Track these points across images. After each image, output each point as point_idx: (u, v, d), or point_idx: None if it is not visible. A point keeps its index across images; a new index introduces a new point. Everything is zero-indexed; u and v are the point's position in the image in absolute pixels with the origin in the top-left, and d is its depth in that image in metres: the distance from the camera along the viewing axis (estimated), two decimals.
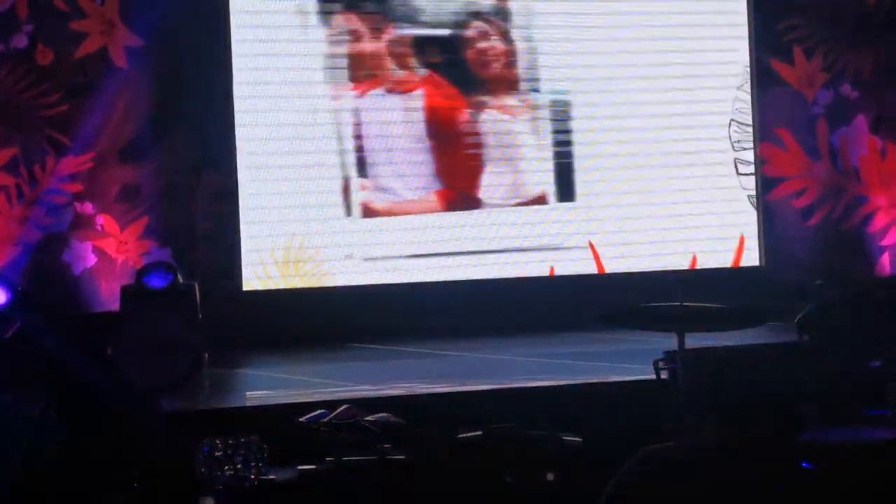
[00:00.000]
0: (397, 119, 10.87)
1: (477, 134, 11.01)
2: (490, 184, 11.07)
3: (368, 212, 10.90)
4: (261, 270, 10.66)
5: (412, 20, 10.93)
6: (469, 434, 6.58)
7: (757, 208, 11.72)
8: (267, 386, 8.95)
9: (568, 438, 6.67)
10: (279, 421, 7.06)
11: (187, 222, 10.63)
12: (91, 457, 6.54)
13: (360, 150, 10.84)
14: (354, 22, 10.89)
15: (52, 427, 6.76)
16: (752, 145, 11.73)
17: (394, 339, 10.37)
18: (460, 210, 10.99)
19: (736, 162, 11.71)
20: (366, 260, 10.89)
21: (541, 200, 11.18)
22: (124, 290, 9.76)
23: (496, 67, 11.03)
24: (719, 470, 4.51)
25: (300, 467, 6.57)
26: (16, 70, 10.35)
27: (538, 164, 11.17)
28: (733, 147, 11.72)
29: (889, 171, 11.92)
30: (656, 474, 4.59)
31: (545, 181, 11.20)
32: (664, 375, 6.76)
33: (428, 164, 10.91)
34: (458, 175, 10.99)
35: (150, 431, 6.75)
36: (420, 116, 10.87)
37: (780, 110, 11.81)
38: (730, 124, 11.69)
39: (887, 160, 11.93)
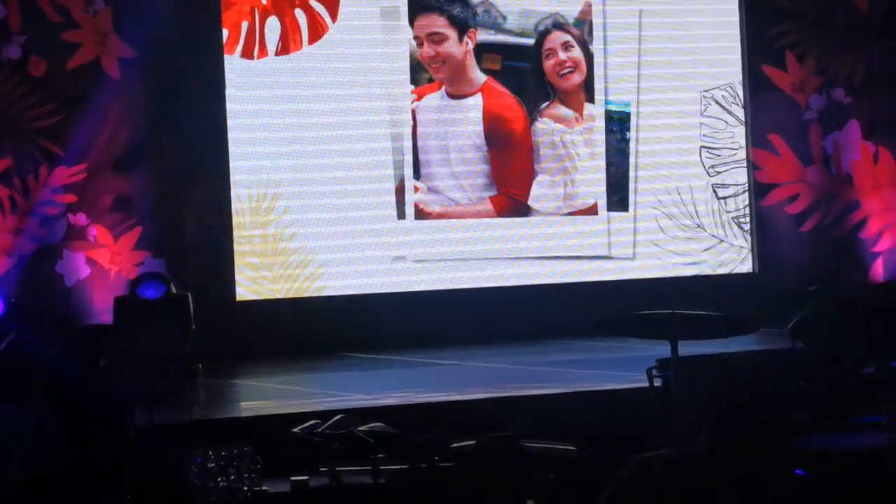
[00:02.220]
0: (455, 123, 11.00)
1: (534, 142, 11.10)
2: (542, 192, 11.16)
3: (421, 214, 10.97)
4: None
5: (492, 27, 11.05)
6: (463, 443, 6.58)
7: (750, 214, 11.72)
8: (261, 396, 8.95)
9: (562, 447, 6.68)
10: (273, 432, 7.06)
11: (180, 232, 10.63)
12: (83, 468, 6.54)
13: (415, 153, 10.92)
14: (424, 27, 10.96)
15: (46, 438, 6.75)
16: (727, 168, 11.73)
17: (387, 348, 10.36)
18: (512, 217, 11.10)
19: (713, 187, 11.70)
20: (417, 262, 10.97)
21: (592, 210, 11.26)
22: (118, 301, 9.75)
23: (569, 78, 11.14)
24: (713, 477, 4.51)
25: (294, 478, 6.58)
26: (9, 81, 10.34)
27: (591, 174, 11.27)
28: (708, 173, 11.68)
29: (882, 175, 11.92)
30: (651, 481, 4.59)
31: (597, 191, 11.30)
32: (658, 383, 6.78)
33: (484, 170, 11.01)
34: (512, 182, 11.07)
35: (140, 442, 6.75)
36: (478, 121, 10.99)
37: (773, 116, 11.82)
38: (700, 151, 11.67)
39: (880, 165, 11.93)
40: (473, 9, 10.90)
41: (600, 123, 11.28)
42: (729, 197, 11.72)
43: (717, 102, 11.69)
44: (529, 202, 11.09)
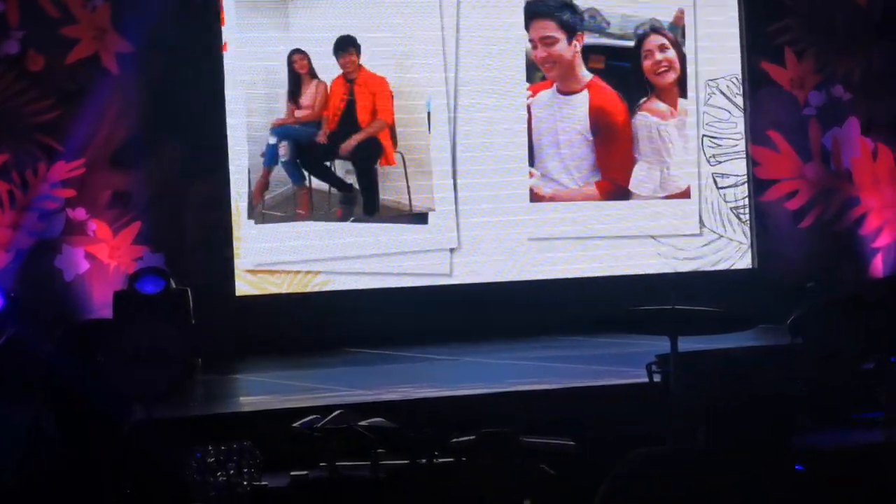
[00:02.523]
0: (564, 118, 11.73)
1: (633, 133, 11.82)
2: (641, 177, 11.82)
3: (535, 197, 11.57)
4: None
5: (597, 30, 11.75)
6: (463, 438, 6.58)
7: (749, 210, 11.74)
8: (260, 391, 8.95)
9: (560, 442, 6.67)
10: (272, 427, 7.06)
11: (180, 227, 10.63)
12: (83, 464, 6.53)
13: (530, 142, 11.61)
14: (538, 30, 11.61)
15: (44, 435, 6.75)
16: (727, 158, 11.80)
17: (388, 343, 10.37)
18: (615, 200, 11.78)
19: (714, 177, 11.76)
20: (531, 240, 11.55)
21: (685, 194, 11.88)
22: (117, 296, 9.75)
23: (665, 76, 11.86)
24: (711, 473, 4.51)
25: (293, 473, 6.57)
26: (7, 76, 10.33)
27: (683, 162, 11.92)
28: (709, 162, 11.77)
29: (881, 172, 11.92)
30: (649, 477, 4.59)
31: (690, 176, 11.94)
32: (657, 379, 6.77)
33: (589, 158, 11.75)
34: (614, 168, 11.78)
35: (139, 438, 6.75)
36: (585, 114, 11.73)
37: (772, 112, 11.82)
38: (701, 139, 11.74)
39: (879, 161, 11.94)
40: (581, 14, 11.69)
41: (693, 117, 11.87)
42: (728, 187, 11.76)
43: (722, 92, 11.79)
44: (630, 187, 11.78)
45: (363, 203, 11.22)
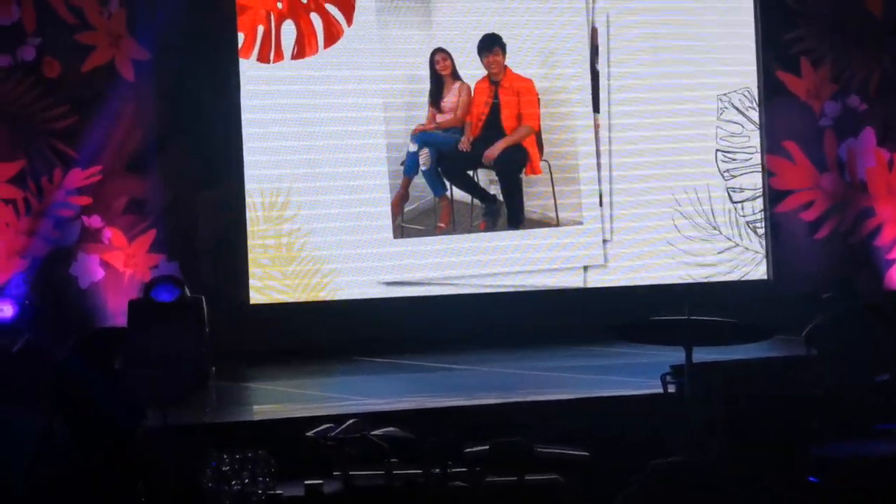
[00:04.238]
0: None
1: None
2: None
3: None
4: None
5: None
6: (476, 448, 6.58)
7: (764, 220, 11.72)
8: (274, 400, 8.96)
9: (574, 452, 6.67)
10: (286, 435, 7.06)
11: (194, 235, 10.64)
12: (97, 470, 6.53)
13: None
14: None
15: (57, 440, 6.75)
16: (741, 172, 11.75)
17: (401, 352, 10.36)
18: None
19: (728, 191, 11.70)
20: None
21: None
22: (132, 304, 9.74)
23: None
24: (726, 484, 4.51)
25: (308, 482, 6.57)
26: (23, 82, 10.36)
27: None
28: (723, 176, 11.70)
29: None
30: (665, 488, 4.59)
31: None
32: (671, 389, 6.76)
33: None
34: None
35: (153, 445, 6.75)
36: None
37: (788, 122, 11.80)
38: (716, 154, 11.68)
39: (895, 172, 11.91)
40: None
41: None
42: (746, 201, 11.72)
43: (735, 106, 11.70)
44: None
45: (507, 215, 10.92)
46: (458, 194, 10.85)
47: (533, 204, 11.04)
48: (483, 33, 10.88)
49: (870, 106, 11.89)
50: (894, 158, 11.91)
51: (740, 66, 11.74)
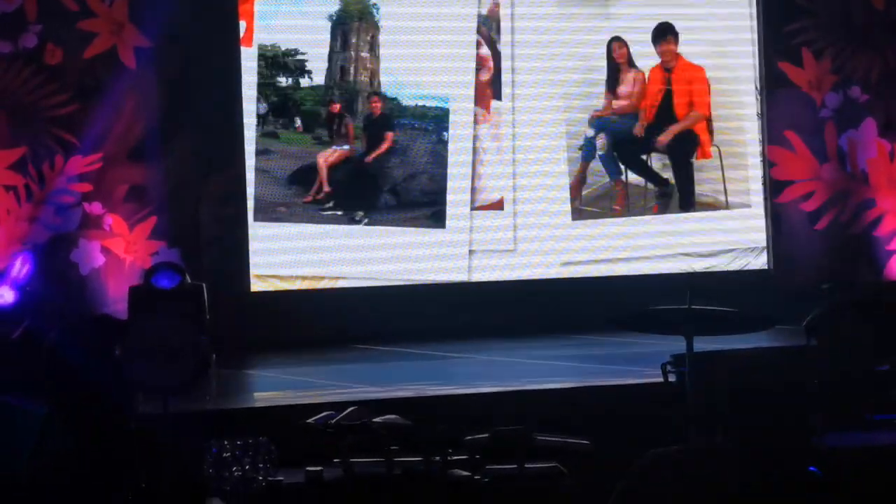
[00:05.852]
0: None
1: None
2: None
3: None
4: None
5: None
6: (477, 436, 6.59)
7: (765, 212, 11.73)
8: (275, 387, 8.97)
9: (574, 441, 6.67)
10: (287, 422, 7.07)
11: (195, 222, 10.64)
12: (98, 458, 6.54)
13: None
14: None
15: (58, 428, 6.76)
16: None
17: (401, 340, 10.37)
18: None
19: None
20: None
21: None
22: (132, 291, 9.75)
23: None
24: (727, 472, 4.52)
25: (308, 469, 6.58)
26: (25, 70, 10.36)
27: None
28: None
29: None
30: (664, 477, 4.60)
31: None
32: (672, 378, 6.77)
33: None
34: None
35: (152, 432, 6.76)
36: None
37: (789, 113, 11.80)
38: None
39: (895, 163, 11.91)
40: None
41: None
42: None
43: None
44: None
45: (679, 198, 11.26)
46: (633, 178, 11.25)
47: (703, 188, 11.45)
48: (657, 23, 11.26)
49: (871, 97, 11.89)
50: (895, 149, 11.91)
51: (737, 60, 11.81)
